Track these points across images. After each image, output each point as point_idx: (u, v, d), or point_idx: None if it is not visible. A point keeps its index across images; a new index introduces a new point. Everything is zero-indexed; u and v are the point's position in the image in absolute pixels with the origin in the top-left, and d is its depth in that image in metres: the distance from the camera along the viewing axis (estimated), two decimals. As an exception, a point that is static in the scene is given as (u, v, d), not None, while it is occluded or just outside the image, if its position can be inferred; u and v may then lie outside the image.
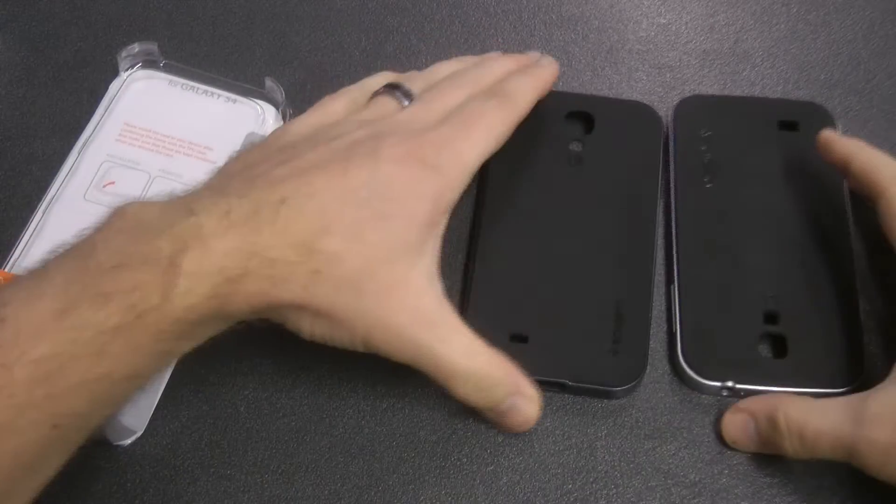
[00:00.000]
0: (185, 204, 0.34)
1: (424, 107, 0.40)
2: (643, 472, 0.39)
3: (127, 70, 0.48)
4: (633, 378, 0.40)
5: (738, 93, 0.49)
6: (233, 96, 0.48)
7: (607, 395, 0.41)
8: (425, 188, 0.37)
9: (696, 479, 0.39)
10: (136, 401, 0.40)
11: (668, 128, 0.47)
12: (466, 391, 0.37)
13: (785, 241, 0.43)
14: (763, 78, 0.50)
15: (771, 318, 0.41)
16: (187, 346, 0.34)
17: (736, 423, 0.39)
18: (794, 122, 0.46)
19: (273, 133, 0.41)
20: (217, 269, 0.32)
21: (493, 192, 0.44)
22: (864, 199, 0.42)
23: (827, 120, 0.46)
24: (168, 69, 0.49)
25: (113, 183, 0.45)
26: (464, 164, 0.38)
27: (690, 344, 0.41)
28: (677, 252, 0.43)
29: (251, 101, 0.48)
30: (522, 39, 0.51)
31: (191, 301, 0.32)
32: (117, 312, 0.31)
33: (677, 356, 0.41)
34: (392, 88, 0.41)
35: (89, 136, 0.46)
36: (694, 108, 0.47)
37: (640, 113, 0.47)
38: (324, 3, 0.52)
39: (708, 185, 0.44)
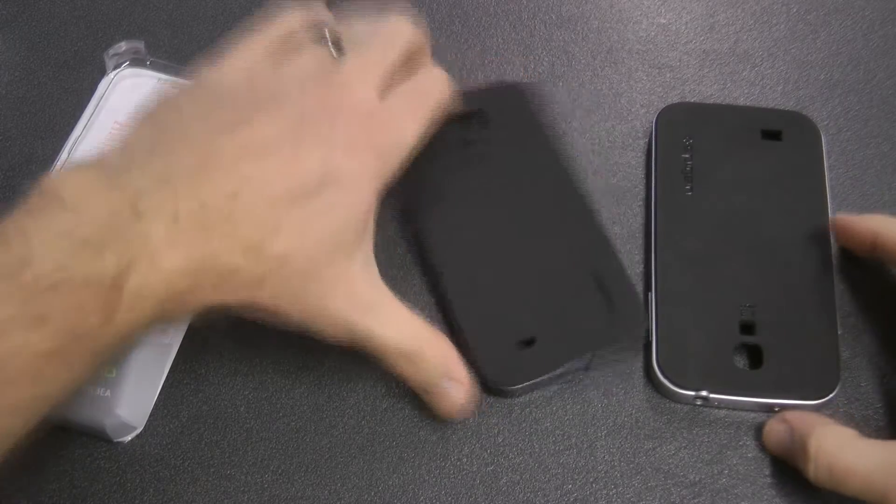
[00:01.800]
0: (128, 198, 0.31)
1: (362, 64, 0.38)
2: (643, 472, 0.39)
3: (114, 69, 0.48)
4: (637, 326, 0.41)
5: (737, 93, 0.49)
6: None
7: (622, 353, 0.41)
8: (371, 174, 0.36)
9: (696, 479, 0.39)
10: (135, 396, 0.40)
11: (650, 135, 0.47)
12: (403, 369, 0.37)
13: (764, 251, 0.43)
14: (763, 78, 0.50)
15: (747, 328, 0.41)
16: (126, 352, 0.34)
17: (775, 432, 0.39)
18: (778, 131, 0.46)
19: (200, 80, 0.37)
20: (164, 287, 0.31)
21: (427, 219, 0.44)
22: None
23: (811, 130, 0.46)
24: (155, 67, 0.48)
25: None
26: (406, 145, 0.38)
27: (665, 352, 0.40)
28: (655, 259, 0.43)
29: None
30: (522, 39, 0.51)
31: (132, 317, 0.31)
32: (54, 336, 0.29)
33: (652, 364, 0.40)
34: (314, 29, 0.38)
35: (79, 136, 0.46)
36: (677, 116, 0.47)
37: (513, 93, 0.47)
38: (324, 3, 0.52)
39: (688, 193, 0.44)
